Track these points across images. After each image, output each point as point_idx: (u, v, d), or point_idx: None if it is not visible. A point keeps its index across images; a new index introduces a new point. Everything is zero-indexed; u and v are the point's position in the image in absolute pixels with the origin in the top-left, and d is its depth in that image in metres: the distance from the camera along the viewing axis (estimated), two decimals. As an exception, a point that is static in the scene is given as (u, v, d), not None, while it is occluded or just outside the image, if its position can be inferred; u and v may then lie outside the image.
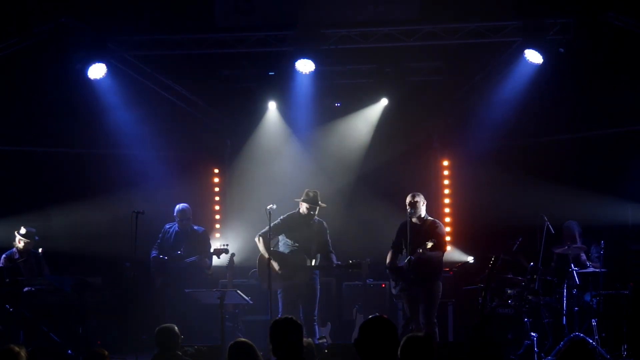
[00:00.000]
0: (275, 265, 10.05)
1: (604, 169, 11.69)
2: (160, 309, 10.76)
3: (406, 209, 9.76)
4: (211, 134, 13.33)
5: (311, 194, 10.17)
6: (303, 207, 10.18)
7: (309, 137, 12.97)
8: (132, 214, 9.59)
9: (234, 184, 13.28)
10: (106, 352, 6.60)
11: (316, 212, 10.22)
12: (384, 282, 11.66)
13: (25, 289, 10.41)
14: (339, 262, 10.12)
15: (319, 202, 10.19)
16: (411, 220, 9.76)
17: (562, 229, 10.76)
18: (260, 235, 10.17)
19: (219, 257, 11.09)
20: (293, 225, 10.20)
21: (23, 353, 5.68)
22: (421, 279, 9.59)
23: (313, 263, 10.10)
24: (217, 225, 13.35)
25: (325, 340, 10.25)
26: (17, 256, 10.76)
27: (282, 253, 10.20)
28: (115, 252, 10.96)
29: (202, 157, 13.43)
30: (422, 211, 9.83)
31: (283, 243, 10.30)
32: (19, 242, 10.71)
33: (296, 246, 10.17)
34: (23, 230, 10.73)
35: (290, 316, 5.57)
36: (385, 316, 4.91)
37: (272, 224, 10.05)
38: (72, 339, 10.35)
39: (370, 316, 4.93)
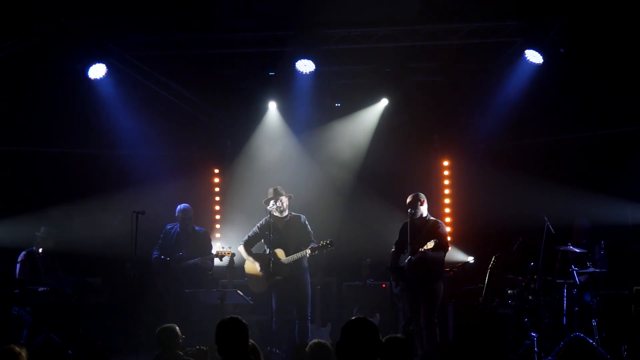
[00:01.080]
0: (257, 266, 10.32)
1: (604, 169, 11.69)
2: (161, 309, 10.75)
3: (407, 209, 9.76)
4: (211, 134, 13.33)
5: (272, 190, 10.31)
6: (271, 207, 10.26)
7: (309, 137, 12.96)
8: (133, 214, 9.59)
9: (234, 184, 13.27)
10: (107, 354, 6.59)
11: (285, 206, 10.29)
12: (384, 282, 11.65)
13: (30, 287, 10.43)
14: (312, 246, 10.13)
15: (283, 194, 10.30)
16: (413, 220, 9.76)
17: (574, 224, 10.87)
18: (241, 244, 10.55)
19: (221, 260, 11.10)
20: (269, 229, 10.24)
21: (24, 353, 5.68)
22: (422, 279, 9.57)
23: (296, 257, 10.15)
24: (217, 226, 13.35)
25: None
26: (37, 254, 11.02)
27: (260, 255, 10.42)
28: (116, 252, 10.95)
29: (202, 157, 13.42)
30: (424, 211, 9.81)
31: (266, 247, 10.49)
32: (40, 241, 11.04)
33: (273, 247, 10.23)
34: (44, 230, 11.09)
35: (236, 316, 5.59)
36: (364, 317, 4.88)
37: (250, 234, 10.51)
38: (72, 339, 10.35)
39: (352, 317, 4.90)
